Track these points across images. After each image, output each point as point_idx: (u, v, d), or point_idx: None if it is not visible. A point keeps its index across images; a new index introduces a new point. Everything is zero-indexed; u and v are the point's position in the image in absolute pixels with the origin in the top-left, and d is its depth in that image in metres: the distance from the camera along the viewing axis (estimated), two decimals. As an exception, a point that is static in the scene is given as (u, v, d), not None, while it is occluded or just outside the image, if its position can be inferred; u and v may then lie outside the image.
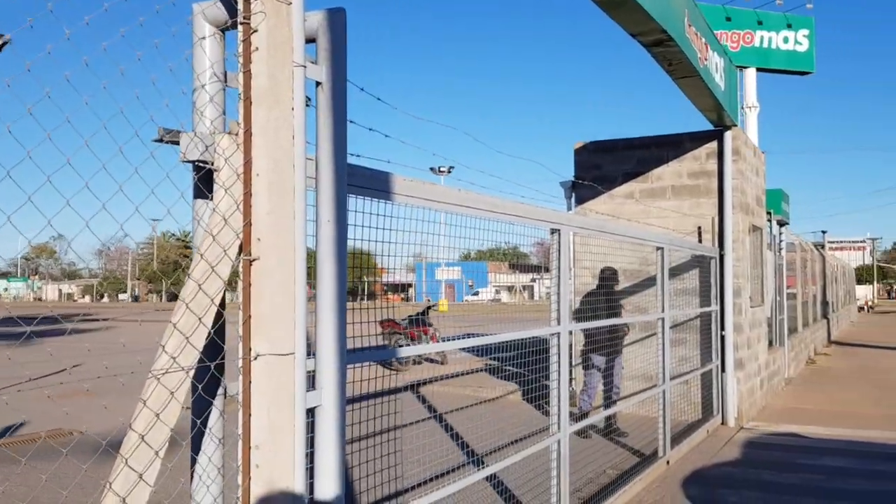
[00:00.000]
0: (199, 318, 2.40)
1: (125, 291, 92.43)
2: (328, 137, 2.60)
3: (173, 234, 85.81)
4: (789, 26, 17.04)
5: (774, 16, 16.84)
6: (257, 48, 2.47)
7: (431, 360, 14.70)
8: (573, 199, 10.09)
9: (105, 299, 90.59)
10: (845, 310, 30.62)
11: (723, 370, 8.85)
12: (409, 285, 23.09)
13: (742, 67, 17.00)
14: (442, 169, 30.16)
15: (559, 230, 4.71)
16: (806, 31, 16.98)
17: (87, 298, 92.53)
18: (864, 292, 53.18)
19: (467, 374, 12.40)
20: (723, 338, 8.86)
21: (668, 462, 6.95)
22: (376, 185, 3.08)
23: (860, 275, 61.76)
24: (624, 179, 9.85)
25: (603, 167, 9.94)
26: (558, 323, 4.72)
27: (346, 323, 2.67)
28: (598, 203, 9.73)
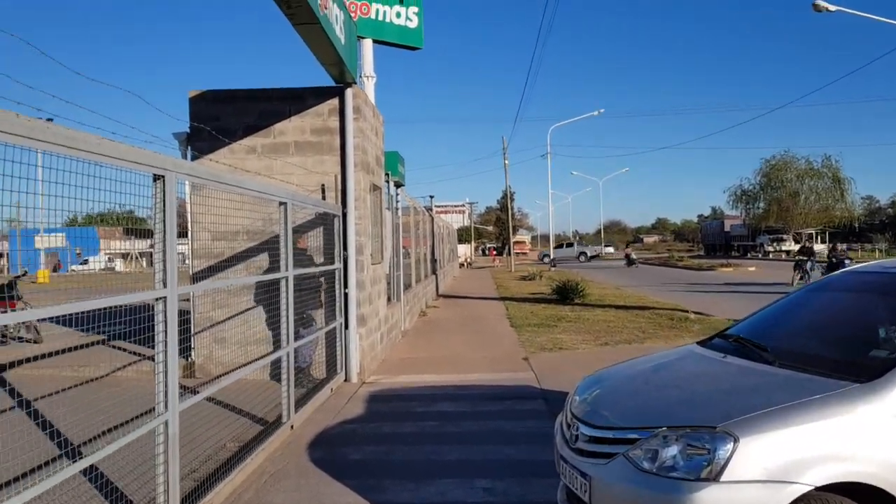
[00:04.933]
0: None
1: None
2: None
3: None
4: (401, 2, 17.90)
5: (387, -10, 17.57)
6: None
7: (22, 339, 12.53)
8: (189, 153, 9.21)
9: None
10: (450, 266, 34.10)
11: (346, 327, 8.90)
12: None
13: (360, 38, 17.46)
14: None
15: (164, 176, 4.02)
16: (416, 9, 18.02)
17: None
18: (464, 250, 59.90)
19: (67, 351, 10.75)
20: (346, 295, 8.90)
21: (292, 426, 6.70)
22: None
23: (461, 235, 69.57)
24: (245, 133, 9.28)
25: (222, 119, 9.23)
26: (164, 286, 4.05)
27: None
28: (219, 157, 9.04)
